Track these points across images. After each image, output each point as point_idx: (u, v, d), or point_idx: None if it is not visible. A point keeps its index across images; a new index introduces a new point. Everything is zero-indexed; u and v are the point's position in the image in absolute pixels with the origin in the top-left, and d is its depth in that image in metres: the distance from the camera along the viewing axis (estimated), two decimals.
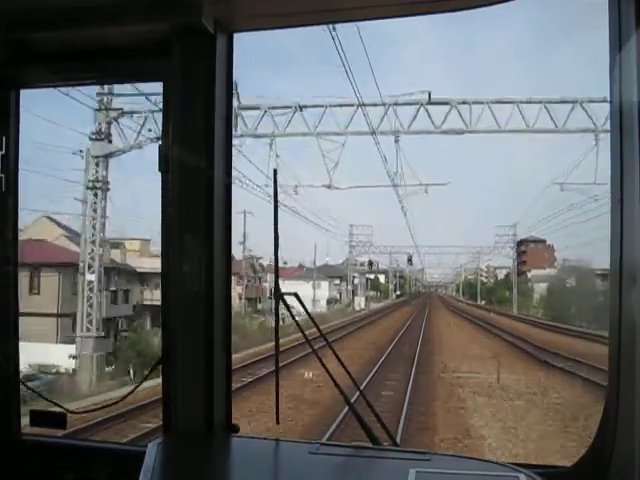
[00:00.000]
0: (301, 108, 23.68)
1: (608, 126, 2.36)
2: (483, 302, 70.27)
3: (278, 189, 2.72)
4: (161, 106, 2.73)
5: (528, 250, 61.58)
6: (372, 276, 77.00)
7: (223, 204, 2.48)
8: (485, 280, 74.99)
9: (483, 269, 74.40)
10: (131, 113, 23.78)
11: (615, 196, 2.10)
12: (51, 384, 20.27)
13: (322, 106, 23.65)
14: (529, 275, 59.87)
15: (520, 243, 55.81)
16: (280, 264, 2.67)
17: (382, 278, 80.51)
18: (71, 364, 23.98)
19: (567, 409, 15.64)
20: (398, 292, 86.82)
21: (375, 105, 23.72)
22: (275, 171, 5.81)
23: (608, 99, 2.17)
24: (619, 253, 2.10)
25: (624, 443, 2.07)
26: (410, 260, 59.54)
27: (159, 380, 2.57)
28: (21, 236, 3.12)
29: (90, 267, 24.23)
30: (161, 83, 2.57)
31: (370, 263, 61.71)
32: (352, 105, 23.57)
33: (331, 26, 17.34)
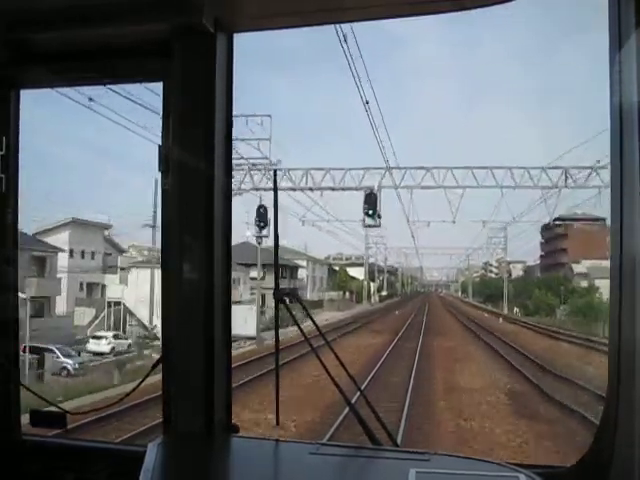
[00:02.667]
0: None
1: None
2: (516, 310, 49.09)
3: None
4: None
5: (571, 233, 39.56)
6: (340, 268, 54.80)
7: (223, 204, 2.49)
8: (495, 277, 61.81)
9: (493, 264, 62.19)
10: None
11: (615, 198, 2.10)
12: None
13: None
14: (575, 269, 40.19)
15: (554, 223, 35.70)
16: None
17: (355, 272, 57.24)
18: None
19: None
20: (384, 292, 64.95)
21: None
22: (275, 172, 5.80)
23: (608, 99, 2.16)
24: (619, 255, 2.09)
25: (624, 443, 2.06)
26: (370, 197, 25.80)
27: None
28: None
29: None
30: (161, 83, 2.58)
31: (261, 212, 26.95)
32: None
33: (338, 26, 16.80)
